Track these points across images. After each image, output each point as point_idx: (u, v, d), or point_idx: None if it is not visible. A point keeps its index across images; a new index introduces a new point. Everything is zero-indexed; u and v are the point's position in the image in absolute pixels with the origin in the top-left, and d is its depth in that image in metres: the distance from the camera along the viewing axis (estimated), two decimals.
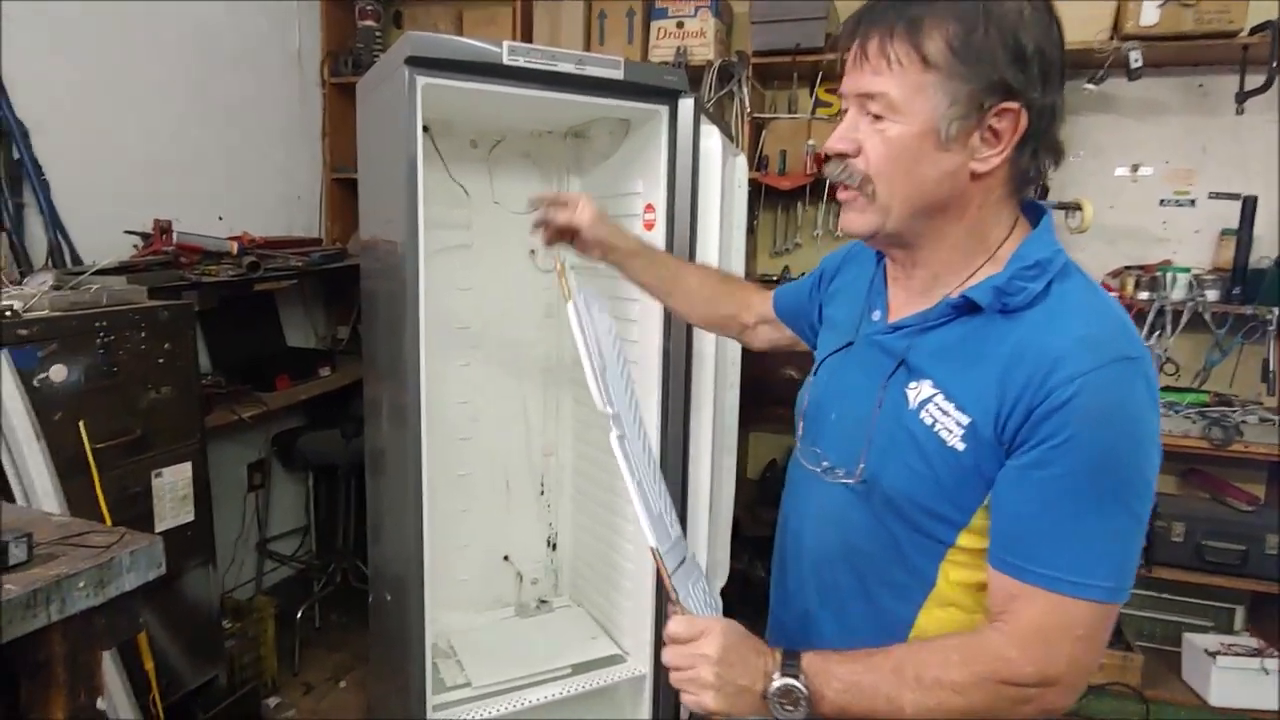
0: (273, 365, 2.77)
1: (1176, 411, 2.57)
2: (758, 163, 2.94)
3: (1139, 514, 0.78)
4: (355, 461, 2.85)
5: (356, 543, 2.98)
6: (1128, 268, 2.77)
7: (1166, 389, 2.71)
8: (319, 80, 3.30)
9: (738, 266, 2.24)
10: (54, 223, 2.26)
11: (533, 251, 2.31)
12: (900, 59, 0.79)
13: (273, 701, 2.53)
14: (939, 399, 0.84)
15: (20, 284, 1.94)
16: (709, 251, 1.94)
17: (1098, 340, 0.78)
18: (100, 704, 1.38)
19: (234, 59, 2.90)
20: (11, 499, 1.61)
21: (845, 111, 0.87)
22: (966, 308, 0.84)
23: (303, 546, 3.31)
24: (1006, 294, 0.82)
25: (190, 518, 2.03)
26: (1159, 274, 2.65)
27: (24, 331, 1.64)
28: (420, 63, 1.57)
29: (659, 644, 2.02)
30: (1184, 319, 2.63)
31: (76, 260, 2.29)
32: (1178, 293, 2.61)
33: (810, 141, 2.89)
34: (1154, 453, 0.79)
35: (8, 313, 1.64)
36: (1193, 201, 2.81)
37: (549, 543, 2.48)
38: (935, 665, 0.80)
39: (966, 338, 0.84)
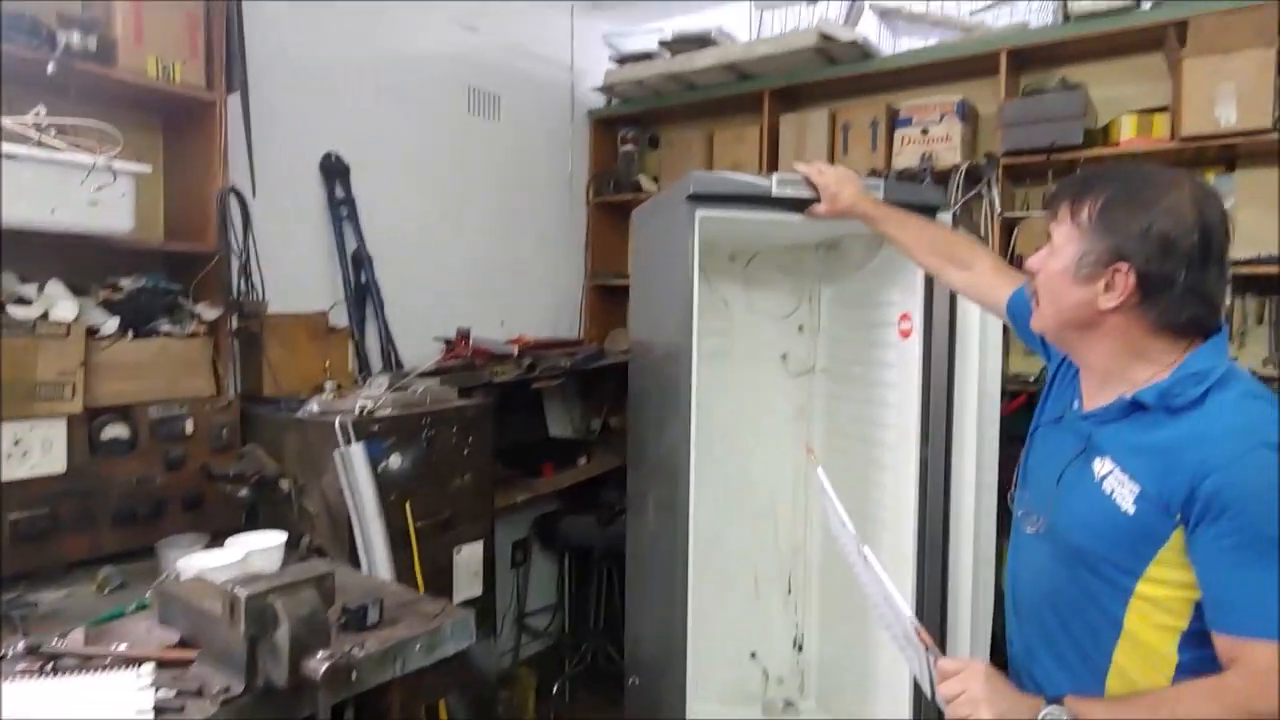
0: (540, 454, 3.08)
1: None
2: (1010, 261, 2.86)
3: None
4: (608, 546, 3.06)
5: (606, 624, 3.16)
6: None
7: None
8: (585, 199, 3.73)
9: (994, 368, 2.19)
10: (385, 333, 2.75)
11: (784, 356, 2.42)
12: (1065, 215, 1.10)
13: None
14: (1116, 472, 1.07)
15: (364, 386, 2.37)
16: (968, 359, 1.94)
17: (1241, 430, 0.98)
18: None
19: (519, 185, 3.39)
20: (358, 566, 1.95)
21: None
22: (1136, 407, 1.06)
23: (553, 622, 3.55)
24: (1170, 396, 1.03)
25: (479, 591, 2.30)
26: None
27: (375, 427, 2.01)
28: (699, 198, 1.78)
29: None
30: None
31: (399, 364, 2.75)
32: None
33: None
34: None
35: (364, 411, 2.03)
36: None
37: (795, 643, 2.49)
38: (1187, 706, 0.98)
39: (1139, 428, 1.06)
